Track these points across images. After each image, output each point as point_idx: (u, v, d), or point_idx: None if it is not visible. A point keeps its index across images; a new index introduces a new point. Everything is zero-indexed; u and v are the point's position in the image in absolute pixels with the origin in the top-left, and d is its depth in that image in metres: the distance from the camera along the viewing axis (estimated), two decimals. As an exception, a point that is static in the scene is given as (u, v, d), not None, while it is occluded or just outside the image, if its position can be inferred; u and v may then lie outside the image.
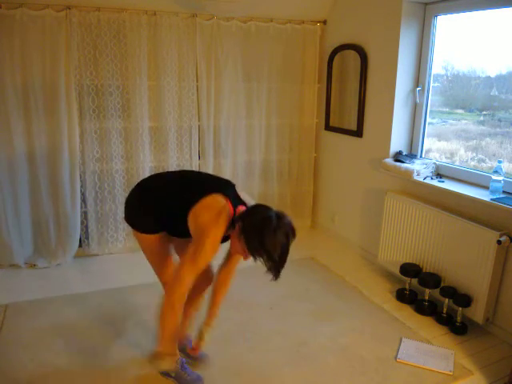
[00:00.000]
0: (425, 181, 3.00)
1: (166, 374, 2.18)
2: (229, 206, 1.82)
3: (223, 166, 3.90)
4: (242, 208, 1.87)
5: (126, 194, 3.60)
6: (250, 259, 1.80)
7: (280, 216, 1.75)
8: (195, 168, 3.81)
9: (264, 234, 1.69)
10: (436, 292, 2.84)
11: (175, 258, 2.16)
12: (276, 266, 1.73)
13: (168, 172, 2.39)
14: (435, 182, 2.96)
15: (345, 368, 2.33)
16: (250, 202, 1.97)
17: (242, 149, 3.95)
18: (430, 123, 3.30)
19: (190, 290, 1.89)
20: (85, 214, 3.59)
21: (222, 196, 1.85)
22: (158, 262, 2.11)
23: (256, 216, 1.76)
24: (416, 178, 3.03)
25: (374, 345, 2.52)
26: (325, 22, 3.94)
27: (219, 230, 1.78)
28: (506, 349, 2.53)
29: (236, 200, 1.89)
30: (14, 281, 3.21)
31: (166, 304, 1.84)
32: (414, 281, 2.97)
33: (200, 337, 2.13)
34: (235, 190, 1.95)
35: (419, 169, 3.04)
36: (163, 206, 1.95)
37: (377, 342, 2.56)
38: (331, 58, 3.86)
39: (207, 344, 2.14)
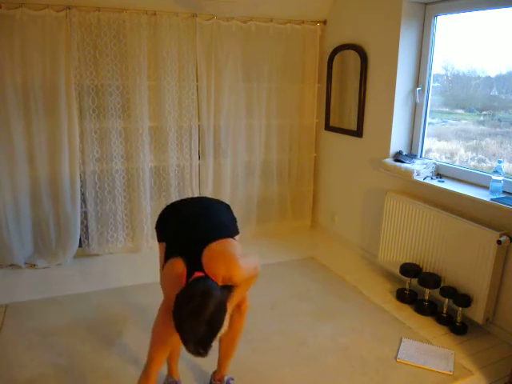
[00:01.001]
0: (425, 181, 3.00)
1: None
2: (183, 277, 1.69)
3: (223, 166, 3.91)
4: (196, 275, 1.67)
5: (126, 194, 3.66)
6: None
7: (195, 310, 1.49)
8: (195, 168, 3.80)
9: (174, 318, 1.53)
10: (436, 292, 2.84)
11: None
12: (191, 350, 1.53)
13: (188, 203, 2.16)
14: (435, 182, 2.96)
15: (345, 368, 2.33)
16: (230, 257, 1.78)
17: (241, 149, 3.95)
18: (430, 123, 3.30)
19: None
20: (85, 214, 3.59)
21: (181, 262, 1.74)
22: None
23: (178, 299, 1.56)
24: (416, 178, 3.03)
25: (374, 345, 2.52)
26: (325, 22, 3.94)
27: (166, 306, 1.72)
28: (506, 349, 2.53)
29: (195, 265, 1.72)
30: (14, 281, 3.21)
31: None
32: (414, 281, 2.97)
33: None
34: (200, 252, 1.76)
35: (419, 169, 3.04)
36: None
37: (377, 342, 2.56)
38: (331, 58, 3.86)
39: None
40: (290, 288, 3.18)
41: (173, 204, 2.11)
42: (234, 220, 2.06)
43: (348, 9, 3.66)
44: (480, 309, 2.60)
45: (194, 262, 1.74)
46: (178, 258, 1.77)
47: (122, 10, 3.26)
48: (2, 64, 3.06)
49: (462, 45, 3.06)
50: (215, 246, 1.79)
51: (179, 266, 1.75)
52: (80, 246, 3.62)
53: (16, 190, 3.31)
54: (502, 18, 2.73)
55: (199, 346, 1.50)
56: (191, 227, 1.92)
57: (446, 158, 3.26)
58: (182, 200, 2.16)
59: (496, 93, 2.91)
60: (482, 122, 3.04)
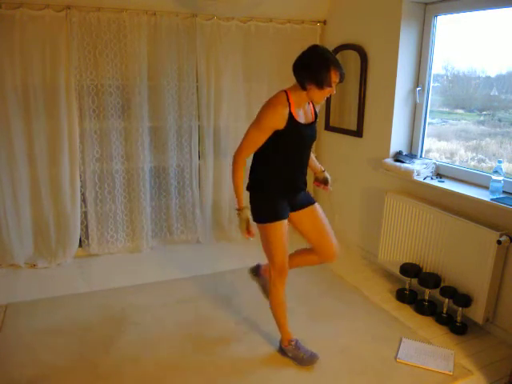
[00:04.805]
0: (425, 181, 3.00)
1: (283, 354, 2.39)
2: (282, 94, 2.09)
3: (223, 166, 3.90)
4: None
5: (126, 194, 3.66)
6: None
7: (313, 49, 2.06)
8: (195, 168, 3.80)
9: (302, 63, 2.04)
10: (436, 292, 2.84)
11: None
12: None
13: None
14: (435, 182, 2.96)
15: (345, 368, 2.33)
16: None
17: (242, 149, 3.94)
18: (430, 123, 3.30)
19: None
20: (85, 214, 3.59)
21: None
22: None
23: (298, 64, 2.07)
24: (416, 178, 3.03)
25: (374, 345, 2.52)
26: (325, 22, 3.94)
27: (269, 113, 2.04)
28: (506, 349, 2.53)
29: None
30: (14, 281, 3.21)
31: (233, 166, 2.13)
32: (414, 281, 2.97)
33: (323, 179, 2.48)
34: None
35: (419, 169, 3.04)
36: None
37: (377, 342, 2.55)
38: (331, 58, 3.85)
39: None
40: (289, 288, 3.15)
41: None
42: None
43: (348, 9, 3.66)
44: (480, 309, 2.60)
45: None
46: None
47: (122, 10, 3.26)
48: (2, 64, 3.06)
49: (462, 45, 3.06)
50: None
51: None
52: (80, 245, 3.62)
53: (16, 189, 3.31)
54: (502, 18, 2.73)
55: (340, 67, 2.05)
56: None
57: (445, 158, 3.26)
58: None
59: (496, 93, 2.91)
60: (481, 122, 3.04)
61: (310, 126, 2.19)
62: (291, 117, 2.05)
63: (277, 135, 2.06)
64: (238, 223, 2.12)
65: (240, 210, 2.11)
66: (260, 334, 2.59)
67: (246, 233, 2.12)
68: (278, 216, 2.17)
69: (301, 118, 2.12)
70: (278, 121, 2.02)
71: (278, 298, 2.32)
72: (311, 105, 2.22)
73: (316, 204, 2.37)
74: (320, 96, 2.06)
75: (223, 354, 2.41)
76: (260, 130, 2.05)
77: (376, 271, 3.50)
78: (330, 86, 2.01)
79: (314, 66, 1.98)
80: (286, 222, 2.21)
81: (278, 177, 2.18)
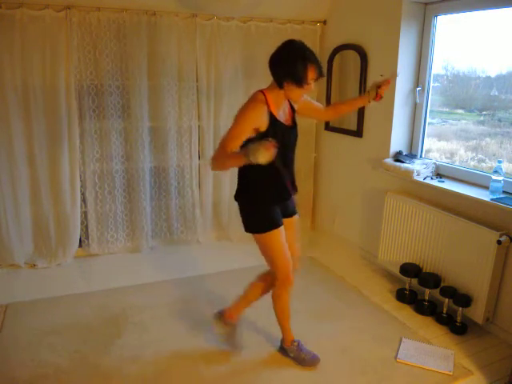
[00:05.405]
0: (425, 181, 3.00)
1: (284, 353, 2.38)
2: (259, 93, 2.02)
3: (223, 166, 3.90)
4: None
5: (126, 194, 3.67)
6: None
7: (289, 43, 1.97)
8: (195, 168, 3.81)
9: (281, 58, 1.96)
10: (436, 292, 2.84)
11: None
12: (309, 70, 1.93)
13: None
14: (435, 182, 2.96)
15: (345, 368, 2.33)
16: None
17: (241, 149, 3.95)
18: (430, 123, 3.30)
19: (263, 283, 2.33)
20: (85, 214, 3.59)
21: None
22: None
23: (273, 58, 1.99)
24: (416, 178, 3.03)
25: (374, 345, 2.52)
26: (325, 22, 3.94)
27: (248, 110, 1.96)
28: (506, 349, 2.53)
29: None
30: (14, 281, 3.21)
31: (213, 157, 1.99)
32: (414, 281, 2.97)
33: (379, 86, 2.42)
34: None
35: (419, 169, 3.04)
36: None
37: (377, 342, 2.55)
38: (331, 58, 3.86)
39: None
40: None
41: None
42: None
43: (348, 9, 3.66)
44: (480, 309, 2.60)
45: None
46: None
47: (122, 10, 3.26)
48: (2, 64, 3.06)
49: (462, 45, 3.06)
50: None
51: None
52: (80, 246, 3.62)
53: (16, 189, 3.31)
54: (502, 18, 2.73)
55: (318, 63, 1.95)
56: None
57: (445, 158, 3.26)
58: None
59: (496, 93, 2.91)
60: (481, 122, 3.04)
61: (292, 126, 2.14)
62: (272, 116, 1.99)
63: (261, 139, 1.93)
64: None
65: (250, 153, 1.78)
66: (260, 334, 2.60)
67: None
68: (274, 224, 2.11)
69: (281, 117, 2.06)
70: (259, 117, 1.95)
71: (282, 306, 2.29)
72: (288, 102, 2.15)
73: (296, 216, 2.33)
74: (298, 94, 2.01)
75: (223, 354, 2.41)
76: (240, 129, 1.94)
77: (376, 271, 3.50)
78: (308, 83, 1.96)
79: (291, 64, 1.91)
80: (283, 227, 2.15)
81: (266, 184, 2.10)
